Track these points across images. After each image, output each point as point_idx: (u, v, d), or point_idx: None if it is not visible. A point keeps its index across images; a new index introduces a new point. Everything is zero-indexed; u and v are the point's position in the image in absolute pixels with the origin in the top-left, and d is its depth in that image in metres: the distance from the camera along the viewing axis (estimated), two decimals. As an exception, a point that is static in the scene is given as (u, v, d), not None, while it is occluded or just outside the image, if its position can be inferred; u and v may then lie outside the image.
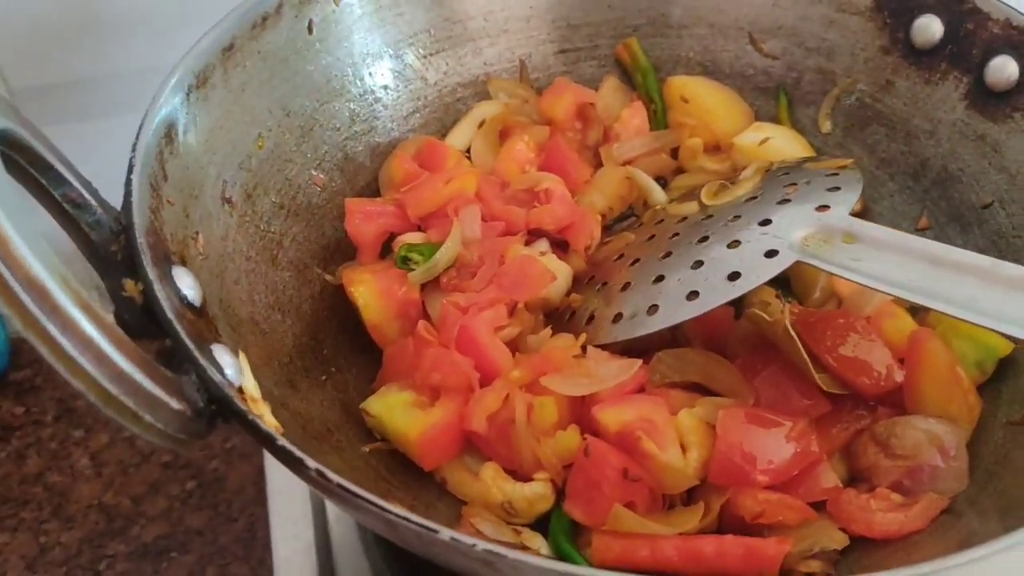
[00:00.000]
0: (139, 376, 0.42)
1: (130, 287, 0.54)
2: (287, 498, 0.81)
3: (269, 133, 0.76)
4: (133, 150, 0.60)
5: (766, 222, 0.69)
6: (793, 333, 0.63)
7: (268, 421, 0.51)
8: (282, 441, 0.47)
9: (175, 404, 0.44)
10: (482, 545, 0.42)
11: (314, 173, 0.79)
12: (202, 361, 0.49)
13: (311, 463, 0.45)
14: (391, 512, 0.44)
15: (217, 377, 0.49)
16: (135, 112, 0.63)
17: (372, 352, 0.75)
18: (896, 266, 0.63)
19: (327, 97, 0.81)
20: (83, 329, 0.40)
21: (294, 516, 0.81)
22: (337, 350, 0.74)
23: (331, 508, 0.81)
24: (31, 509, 1.05)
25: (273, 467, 0.86)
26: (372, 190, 0.84)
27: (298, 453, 0.46)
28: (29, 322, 0.38)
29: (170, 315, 0.51)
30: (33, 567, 1.00)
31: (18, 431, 1.11)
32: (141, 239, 0.55)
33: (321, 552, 0.79)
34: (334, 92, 0.82)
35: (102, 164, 0.63)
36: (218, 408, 0.48)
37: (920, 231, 0.82)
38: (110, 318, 0.43)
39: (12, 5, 0.96)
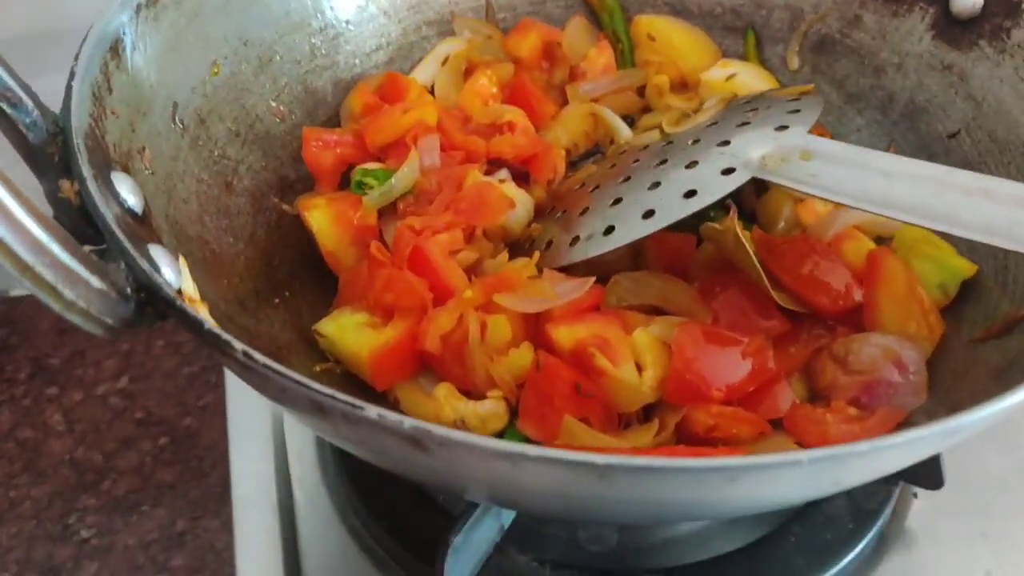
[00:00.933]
0: (57, 249, 0.41)
1: (66, 188, 0.53)
2: (247, 435, 0.81)
3: (225, 60, 0.75)
4: (76, 60, 0.59)
5: (725, 143, 0.68)
6: (744, 240, 0.62)
7: (204, 315, 0.50)
8: (210, 326, 0.46)
9: (96, 283, 0.43)
10: (409, 422, 0.41)
11: (273, 104, 0.79)
12: (131, 250, 0.48)
13: (238, 345, 0.44)
14: (317, 391, 0.43)
15: (148, 268, 0.48)
16: None
17: (329, 281, 0.74)
18: (852, 179, 0.62)
19: (287, 30, 0.80)
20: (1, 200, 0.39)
21: (255, 453, 0.80)
22: (292, 276, 0.73)
23: (291, 444, 0.80)
24: (2, 464, 1.04)
25: (235, 404, 0.85)
26: (334, 124, 0.83)
27: (225, 336, 0.45)
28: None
29: (102, 209, 0.50)
30: (2, 520, 0.99)
31: (-9, 389, 1.10)
32: (79, 140, 0.54)
33: (281, 489, 0.78)
34: (294, 25, 0.81)
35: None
36: (147, 296, 0.47)
37: (886, 156, 0.81)
38: (34, 203, 0.42)
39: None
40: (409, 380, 0.67)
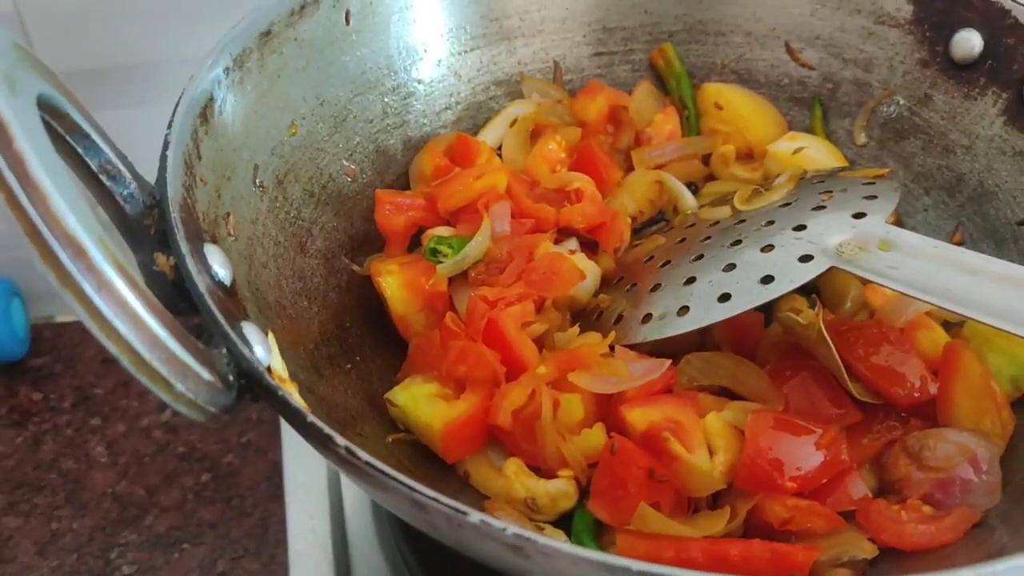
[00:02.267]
0: (172, 343, 0.42)
1: (161, 262, 0.54)
2: (305, 490, 0.81)
3: (302, 121, 0.75)
4: (169, 127, 0.60)
5: (801, 227, 0.68)
6: (828, 338, 0.62)
7: (297, 400, 0.51)
8: (311, 418, 0.46)
9: (206, 375, 0.44)
10: (512, 529, 0.42)
11: (345, 163, 0.79)
12: (233, 336, 0.48)
13: (340, 440, 0.45)
14: (420, 493, 0.43)
15: (247, 353, 0.48)
16: (170, 102, 0.63)
17: (397, 344, 0.74)
18: (932, 274, 0.62)
19: (361, 89, 0.81)
20: (118, 290, 0.40)
21: (311, 509, 0.80)
22: (362, 340, 0.73)
23: (348, 502, 0.80)
24: (45, 495, 1.04)
25: (291, 457, 0.86)
26: (403, 183, 0.84)
27: (327, 430, 0.45)
28: (65, 279, 0.38)
29: (202, 290, 0.51)
30: (44, 552, 1.00)
31: (35, 417, 1.11)
32: (175, 213, 0.54)
33: (337, 546, 0.78)
34: (368, 84, 0.82)
35: (136, 152, 0.62)
36: (247, 383, 0.48)
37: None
38: (143, 284, 0.43)
39: (52, -11, 0.96)
40: (479, 453, 0.67)
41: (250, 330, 0.53)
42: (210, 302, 0.50)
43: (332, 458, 0.46)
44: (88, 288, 0.39)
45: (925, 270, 0.62)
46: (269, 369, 0.52)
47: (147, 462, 1.08)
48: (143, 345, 0.41)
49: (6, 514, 1.03)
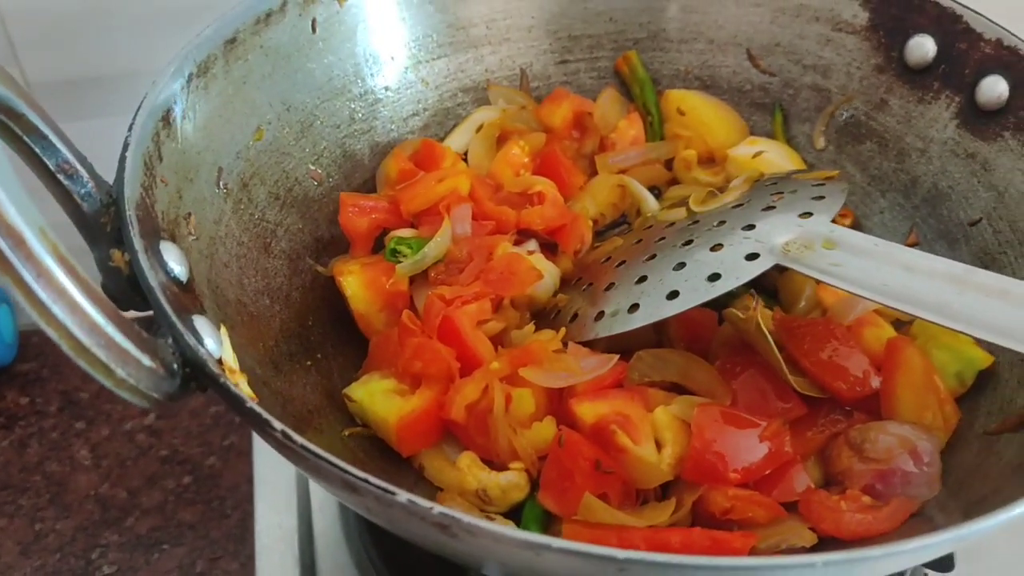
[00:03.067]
0: (111, 329, 0.44)
1: (117, 257, 0.56)
2: (273, 487, 0.82)
3: (268, 126, 0.77)
4: (129, 130, 0.62)
5: (750, 227, 0.70)
6: (765, 330, 0.64)
7: (243, 389, 0.53)
8: (251, 404, 0.48)
9: (147, 361, 0.46)
10: (438, 508, 0.43)
11: (312, 167, 0.81)
12: (179, 326, 0.50)
13: (277, 424, 0.47)
14: (351, 474, 0.45)
15: (193, 343, 0.50)
16: None
17: (360, 343, 0.76)
18: (873, 271, 0.64)
19: (328, 95, 0.83)
20: (57, 279, 0.42)
21: (279, 505, 0.81)
22: (324, 338, 0.75)
23: (315, 499, 0.82)
24: (29, 496, 1.06)
25: (261, 456, 0.87)
26: (369, 188, 0.86)
27: (265, 415, 0.47)
28: (4, 267, 0.40)
29: (152, 283, 0.53)
30: (27, 552, 1.01)
31: (21, 420, 1.13)
32: (130, 211, 0.56)
33: (303, 542, 0.80)
34: (335, 91, 0.84)
35: (112, 162, 0.63)
36: (192, 371, 0.50)
37: (908, 247, 0.83)
38: (84, 273, 0.44)
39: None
40: (433, 447, 0.69)
41: (202, 323, 0.54)
42: (159, 295, 0.52)
43: (270, 442, 0.48)
44: (28, 276, 0.41)
45: (866, 267, 0.64)
46: (220, 361, 0.54)
47: (129, 465, 1.10)
48: (81, 331, 0.42)
49: (-10, 515, 1.04)
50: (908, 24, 0.85)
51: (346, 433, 0.68)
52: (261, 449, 0.88)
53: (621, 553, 0.42)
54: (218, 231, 0.69)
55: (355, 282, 0.74)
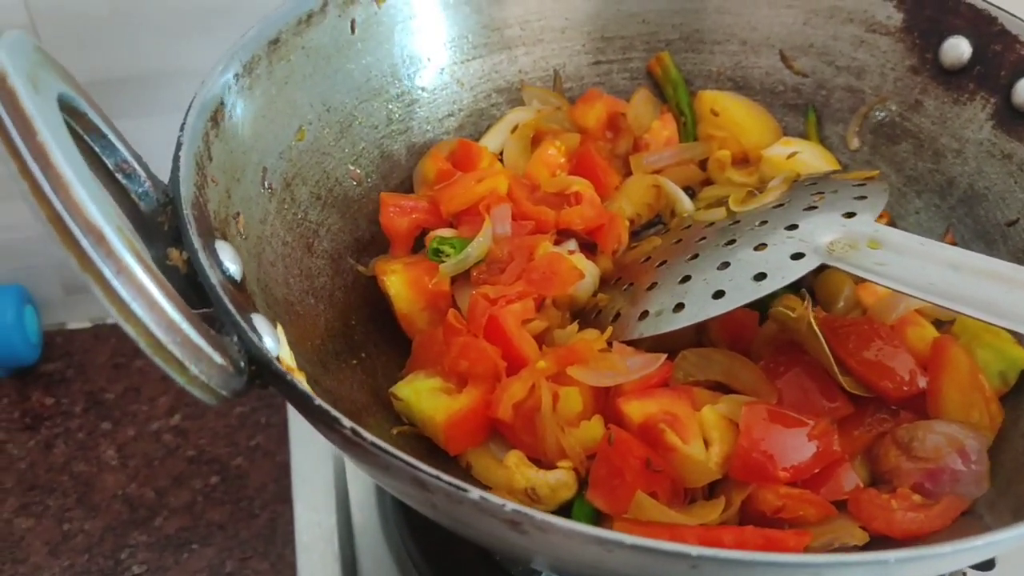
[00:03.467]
0: (187, 327, 0.44)
1: (175, 256, 0.56)
2: (311, 486, 0.83)
3: (309, 126, 0.78)
4: (181, 129, 0.62)
5: (793, 227, 0.70)
6: (817, 329, 0.64)
7: (304, 385, 0.53)
8: (318, 401, 0.48)
9: (219, 359, 0.46)
10: (510, 505, 0.43)
11: (351, 168, 0.82)
12: (243, 324, 0.51)
13: (346, 422, 0.47)
14: (422, 470, 0.45)
15: (257, 340, 0.50)
16: (182, 111, 0.65)
17: (402, 341, 0.76)
18: (919, 270, 0.64)
19: (366, 95, 0.83)
20: (136, 275, 0.42)
21: (317, 504, 0.82)
22: (367, 337, 0.75)
23: (354, 496, 0.82)
24: (56, 496, 1.06)
25: (299, 454, 0.87)
26: (407, 187, 0.86)
27: (334, 412, 0.47)
28: (86, 264, 0.40)
29: (214, 282, 0.53)
30: (56, 552, 1.01)
31: (47, 421, 1.13)
32: (187, 211, 0.57)
33: (343, 539, 0.80)
34: (373, 91, 0.84)
35: (150, 159, 0.63)
36: (257, 369, 0.50)
37: (949, 246, 0.83)
38: (159, 271, 0.45)
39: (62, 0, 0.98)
40: (480, 445, 0.69)
41: (260, 322, 0.55)
42: (222, 294, 0.52)
43: (337, 440, 0.48)
44: (108, 272, 0.41)
45: (911, 266, 0.64)
46: (279, 359, 0.54)
47: (156, 465, 1.10)
48: (160, 328, 0.43)
49: (19, 515, 1.04)
50: (943, 26, 0.85)
51: (395, 432, 0.68)
52: (299, 448, 0.88)
53: (695, 550, 0.42)
54: (264, 231, 0.69)
55: (398, 282, 0.74)
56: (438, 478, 0.44)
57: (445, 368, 0.69)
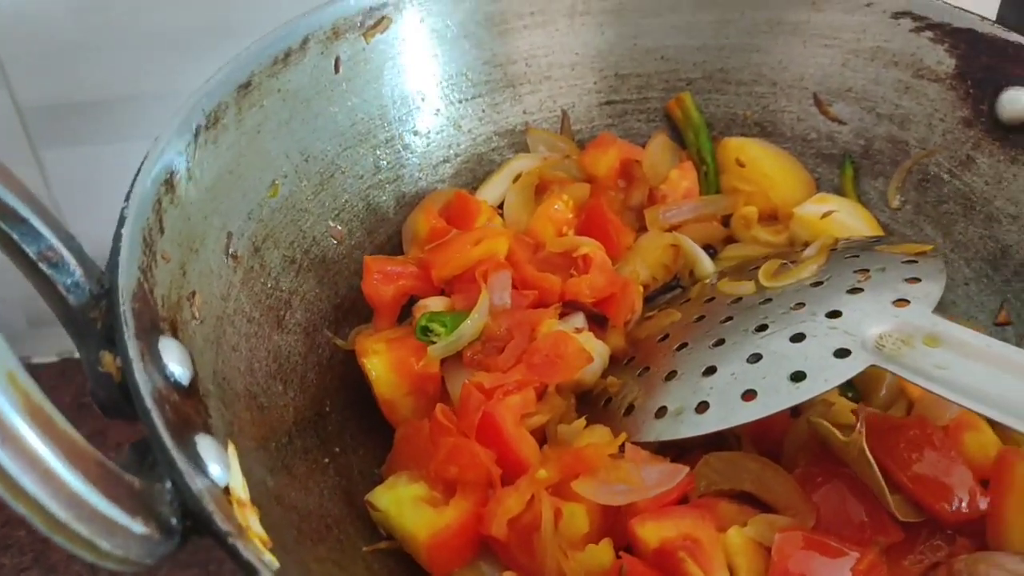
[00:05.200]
0: (95, 498, 0.35)
1: (107, 361, 0.47)
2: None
3: (284, 180, 0.69)
4: (126, 200, 0.53)
5: (835, 314, 0.61)
6: (870, 456, 0.55)
7: (254, 534, 0.44)
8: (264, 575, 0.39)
9: (139, 528, 0.37)
10: None
11: (331, 224, 0.72)
12: (181, 466, 0.41)
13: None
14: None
15: (196, 487, 0.41)
16: (147, 139, 0.57)
17: (382, 430, 0.67)
18: (987, 379, 0.55)
19: (351, 142, 0.74)
20: (26, 442, 0.32)
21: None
22: (343, 427, 0.66)
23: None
24: (12, 554, 0.98)
25: None
26: (394, 244, 0.77)
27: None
28: (-42, 435, 0.31)
29: (148, 404, 0.44)
30: (5, 621, 0.93)
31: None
32: (125, 305, 0.47)
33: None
34: (359, 136, 0.75)
35: (108, 190, 0.57)
36: (194, 524, 0.41)
37: (999, 326, 0.74)
38: (63, 424, 0.35)
39: (28, 19, 0.90)
40: (469, 565, 0.60)
41: (206, 445, 0.46)
42: (156, 420, 0.43)
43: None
44: (-11, 443, 0.32)
45: (978, 373, 0.55)
46: (226, 490, 0.45)
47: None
48: (58, 505, 0.33)
49: (-30, 573, 0.96)
50: (1000, 74, 0.75)
51: (365, 549, 0.59)
52: None
53: None
54: (226, 308, 0.60)
55: (380, 364, 0.65)
56: None
57: (431, 473, 0.60)
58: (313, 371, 0.67)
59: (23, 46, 0.93)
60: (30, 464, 0.33)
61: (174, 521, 0.40)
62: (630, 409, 0.65)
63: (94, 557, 0.36)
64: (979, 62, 0.76)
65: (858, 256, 0.69)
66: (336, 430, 0.65)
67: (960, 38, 0.76)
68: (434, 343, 0.65)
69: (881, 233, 0.79)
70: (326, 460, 0.63)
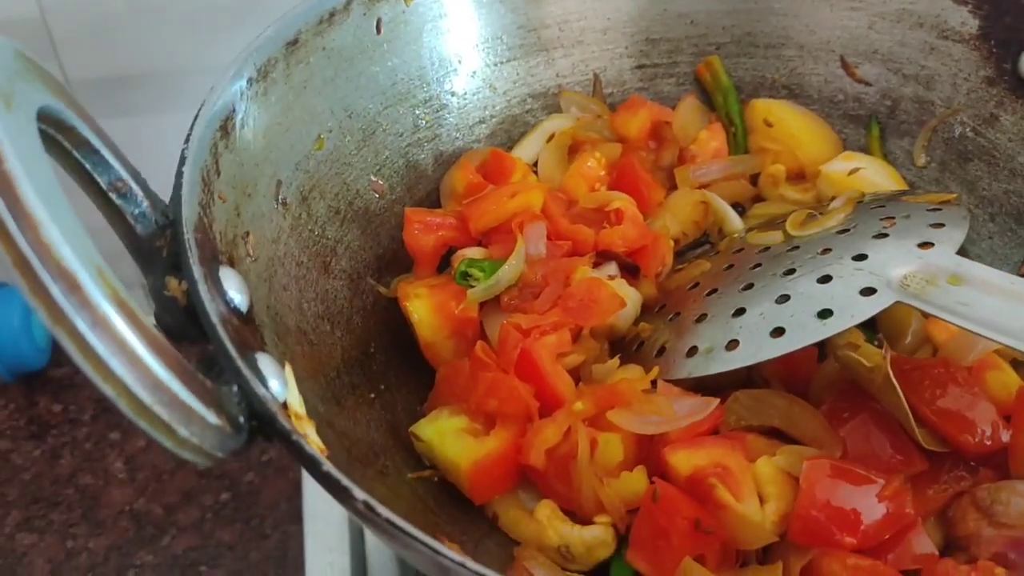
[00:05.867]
0: (176, 385, 0.38)
1: (173, 286, 0.50)
2: (324, 521, 0.76)
3: (329, 134, 0.72)
4: (186, 141, 0.56)
5: (861, 257, 0.63)
6: (896, 383, 0.57)
7: (312, 441, 0.47)
8: (327, 467, 0.42)
9: (213, 419, 0.40)
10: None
11: (373, 179, 0.75)
12: (246, 372, 0.44)
13: (359, 494, 0.41)
14: (445, 556, 0.38)
15: (261, 391, 0.44)
16: (192, 110, 0.59)
17: (424, 371, 0.70)
18: (1009, 313, 0.57)
19: (392, 101, 0.77)
20: (116, 328, 0.36)
21: (330, 541, 0.76)
22: (387, 367, 0.69)
23: (369, 536, 0.76)
24: (61, 511, 1.02)
25: (311, 487, 0.81)
26: (433, 200, 0.80)
27: (345, 481, 0.41)
28: (57, 316, 0.34)
29: (214, 320, 0.47)
30: (58, 572, 0.97)
31: (54, 429, 1.08)
32: (188, 235, 0.51)
33: (356, 580, 0.74)
34: (399, 96, 0.78)
35: (155, 161, 0.59)
36: (259, 424, 0.44)
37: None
38: (149, 319, 0.39)
39: (79, -3, 0.93)
40: (509, 494, 0.62)
41: (265, 362, 0.49)
42: (222, 333, 0.46)
43: (350, 510, 0.42)
44: (82, 325, 0.35)
45: (1001, 308, 0.57)
46: (285, 404, 0.48)
47: (166, 479, 1.05)
48: (143, 388, 0.37)
49: (21, 530, 1.00)
50: (1023, 34, 0.77)
51: (411, 476, 0.62)
52: (311, 481, 0.82)
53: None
54: (276, 251, 0.63)
55: (422, 307, 0.68)
56: (463, 565, 0.38)
57: (472, 406, 0.63)
58: (358, 315, 0.70)
59: (72, 20, 0.96)
60: (119, 348, 0.36)
61: (241, 419, 0.43)
62: (661, 351, 0.67)
63: (172, 443, 0.39)
64: (1002, 23, 0.78)
65: (884, 206, 0.71)
66: (381, 370, 0.68)
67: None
68: (473, 288, 0.68)
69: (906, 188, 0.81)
70: (372, 396, 0.66)
